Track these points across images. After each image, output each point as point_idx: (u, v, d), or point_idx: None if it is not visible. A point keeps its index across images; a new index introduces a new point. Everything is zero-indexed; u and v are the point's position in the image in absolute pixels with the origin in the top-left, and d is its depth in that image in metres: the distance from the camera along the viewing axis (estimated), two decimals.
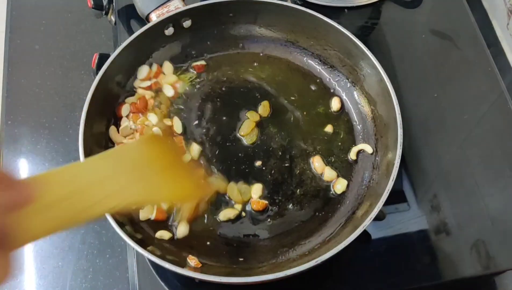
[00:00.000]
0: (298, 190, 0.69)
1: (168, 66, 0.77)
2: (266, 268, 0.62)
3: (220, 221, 0.67)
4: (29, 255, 0.70)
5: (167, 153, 0.52)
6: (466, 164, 0.75)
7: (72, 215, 0.39)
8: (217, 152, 0.71)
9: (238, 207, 0.68)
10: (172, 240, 0.64)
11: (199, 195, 0.53)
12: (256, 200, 0.68)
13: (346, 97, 0.76)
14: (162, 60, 0.77)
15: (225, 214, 0.67)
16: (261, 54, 0.80)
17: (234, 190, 0.68)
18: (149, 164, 0.49)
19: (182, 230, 0.65)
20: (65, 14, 0.89)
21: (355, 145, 0.73)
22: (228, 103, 0.75)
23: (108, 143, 0.70)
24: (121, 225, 0.58)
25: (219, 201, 0.68)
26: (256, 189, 0.69)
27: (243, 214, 0.67)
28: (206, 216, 0.67)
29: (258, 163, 0.70)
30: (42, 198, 0.37)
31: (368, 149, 0.71)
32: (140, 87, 0.74)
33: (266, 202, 0.68)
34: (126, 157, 0.48)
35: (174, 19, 0.74)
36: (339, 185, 0.69)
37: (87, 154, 0.63)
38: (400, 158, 0.63)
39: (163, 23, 0.74)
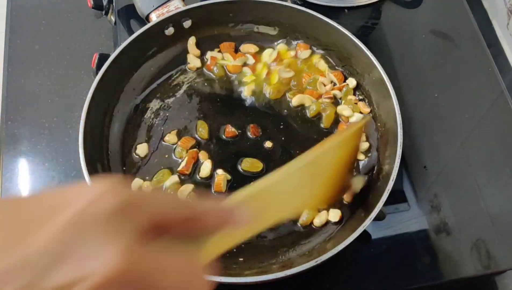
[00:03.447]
0: None
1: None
2: (266, 268, 0.62)
3: None
4: None
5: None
6: (466, 164, 0.75)
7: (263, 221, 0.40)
8: (218, 150, 0.71)
9: None
10: None
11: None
12: None
13: None
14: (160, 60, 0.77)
15: None
16: None
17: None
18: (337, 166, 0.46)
19: None
20: (65, 14, 0.89)
21: None
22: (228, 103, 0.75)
23: (108, 144, 0.70)
24: None
25: None
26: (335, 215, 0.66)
27: None
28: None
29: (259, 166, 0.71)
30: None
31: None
32: None
33: None
34: (319, 163, 0.45)
35: (174, 19, 0.74)
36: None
37: (87, 154, 0.63)
38: (400, 158, 0.63)
39: (163, 23, 0.74)
